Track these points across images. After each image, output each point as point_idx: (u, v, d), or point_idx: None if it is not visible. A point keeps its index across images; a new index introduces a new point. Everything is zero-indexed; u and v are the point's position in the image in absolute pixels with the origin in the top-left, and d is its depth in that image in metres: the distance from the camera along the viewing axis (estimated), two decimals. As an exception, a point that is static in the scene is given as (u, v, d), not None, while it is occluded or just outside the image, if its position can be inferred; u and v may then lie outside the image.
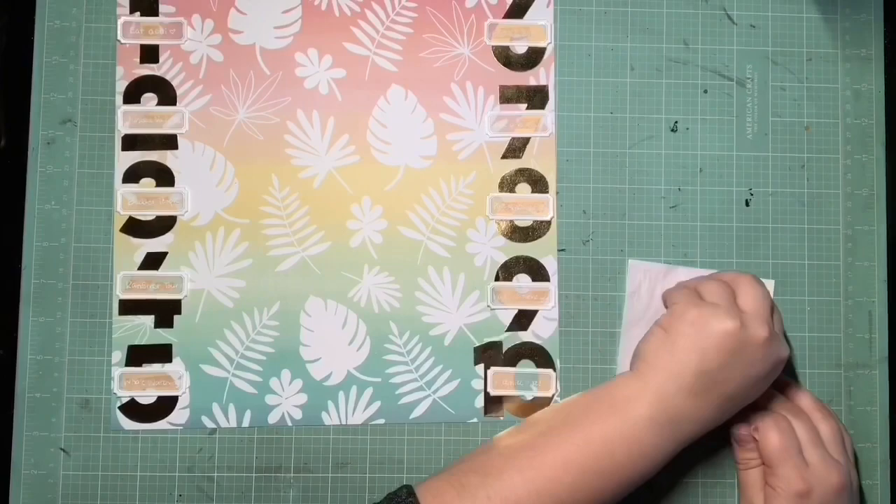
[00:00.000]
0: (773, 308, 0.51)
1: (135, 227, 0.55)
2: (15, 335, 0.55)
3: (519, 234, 0.56)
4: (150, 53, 0.56)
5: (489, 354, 0.55)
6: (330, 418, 0.54)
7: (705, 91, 0.57)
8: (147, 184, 0.55)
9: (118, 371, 0.54)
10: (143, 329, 0.55)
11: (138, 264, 0.55)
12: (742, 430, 0.51)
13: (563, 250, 0.56)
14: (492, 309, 0.56)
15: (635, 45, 0.57)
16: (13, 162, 0.56)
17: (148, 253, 0.55)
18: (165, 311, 0.55)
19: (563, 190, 0.56)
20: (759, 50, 0.57)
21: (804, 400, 0.53)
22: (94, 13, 0.56)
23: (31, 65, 0.56)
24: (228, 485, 0.54)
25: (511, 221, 0.56)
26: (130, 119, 0.56)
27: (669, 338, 0.49)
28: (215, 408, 0.54)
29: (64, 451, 0.54)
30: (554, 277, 0.56)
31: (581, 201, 0.56)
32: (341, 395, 0.55)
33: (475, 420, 0.55)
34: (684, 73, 0.57)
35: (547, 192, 0.56)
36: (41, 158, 0.56)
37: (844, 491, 0.49)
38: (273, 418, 0.54)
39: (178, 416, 0.54)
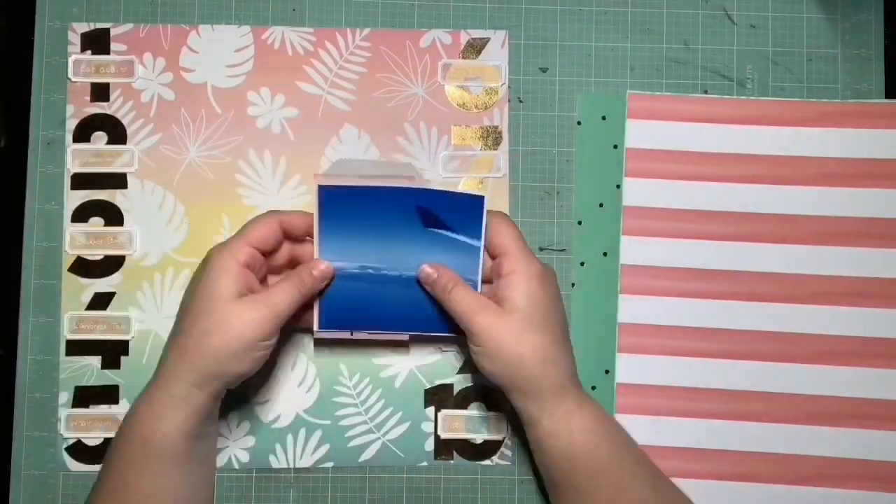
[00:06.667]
0: None
1: (83, 267, 0.55)
2: (15, 335, 0.54)
3: (471, 275, 0.55)
4: (100, 91, 0.55)
5: (440, 397, 0.55)
6: (278, 461, 0.54)
7: (705, 91, 0.57)
8: (96, 223, 0.55)
9: (65, 412, 0.54)
10: (90, 370, 0.54)
11: (86, 304, 0.54)
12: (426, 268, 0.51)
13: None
14: (443, 351, 0.55)
15: (635, 45, 0.57)
16: (13, 162, 0.55)
17: (96, 293, 0.54)
18: (113, 352, 0.54)
19: (562, 190, 0.56)
20: (759, 50, 0.57)
21: None
22: (95, 13, 0.56)
23: (32, 65, 0.56)
24: (228, 485, 0.54)
25: (463, 262, 0.55)
26: (80, 158, 0.55)
27: None
28: (162, 450, 0.54)
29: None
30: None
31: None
32: (290, 437, 0.54)
33: (425, 463, 0.54)
34: (684, 73, 0.57)
35: (500, 233, 0.55)
36: (41, 158, 0.55)
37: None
38: (220, 462, 0.54)
39: (125, 458, 0.54)
